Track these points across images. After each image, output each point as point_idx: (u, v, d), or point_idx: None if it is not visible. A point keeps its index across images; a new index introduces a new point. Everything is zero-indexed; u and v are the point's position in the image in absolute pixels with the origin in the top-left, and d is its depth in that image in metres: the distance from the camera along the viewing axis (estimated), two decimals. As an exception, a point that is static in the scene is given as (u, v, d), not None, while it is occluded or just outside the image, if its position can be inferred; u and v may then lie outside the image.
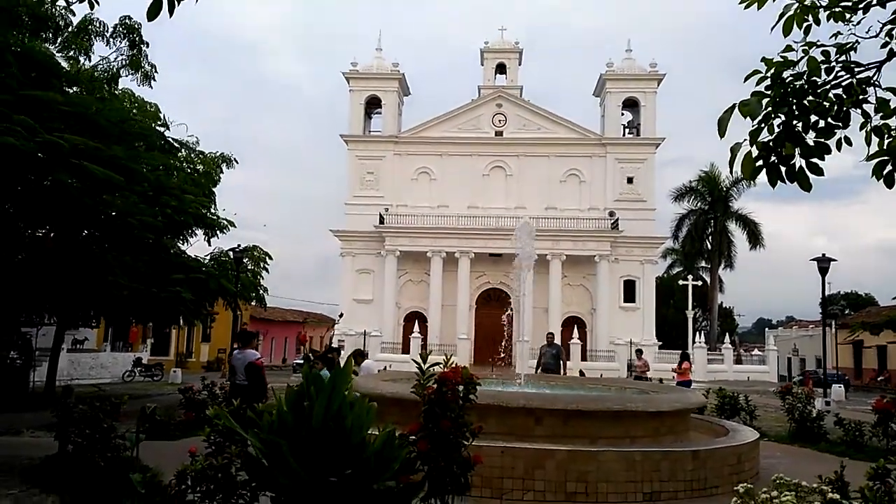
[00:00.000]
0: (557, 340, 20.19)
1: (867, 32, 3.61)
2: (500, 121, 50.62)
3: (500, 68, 52.95)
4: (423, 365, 5.16)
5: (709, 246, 54.81)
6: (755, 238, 53.01)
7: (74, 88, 16.16)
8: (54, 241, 15.42)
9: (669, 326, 56.37)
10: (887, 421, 11.91)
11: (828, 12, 3.69)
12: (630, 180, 49.13)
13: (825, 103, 3.59)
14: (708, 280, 56.51)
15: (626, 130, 51.66)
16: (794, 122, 3.59)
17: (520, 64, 53.60)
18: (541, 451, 7.80)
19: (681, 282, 50.66)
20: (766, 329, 64.63)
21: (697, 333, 46.56)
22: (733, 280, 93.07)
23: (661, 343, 46.55)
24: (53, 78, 12.80)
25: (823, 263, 22.69)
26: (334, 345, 30.51)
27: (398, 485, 3.91)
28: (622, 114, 51.36)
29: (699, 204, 54.51)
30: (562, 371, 16.71)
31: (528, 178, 49.02)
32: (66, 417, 8.04)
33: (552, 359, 16.37)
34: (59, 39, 16.98)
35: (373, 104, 52.32)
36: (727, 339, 47.16)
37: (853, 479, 5.35)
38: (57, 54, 16.39)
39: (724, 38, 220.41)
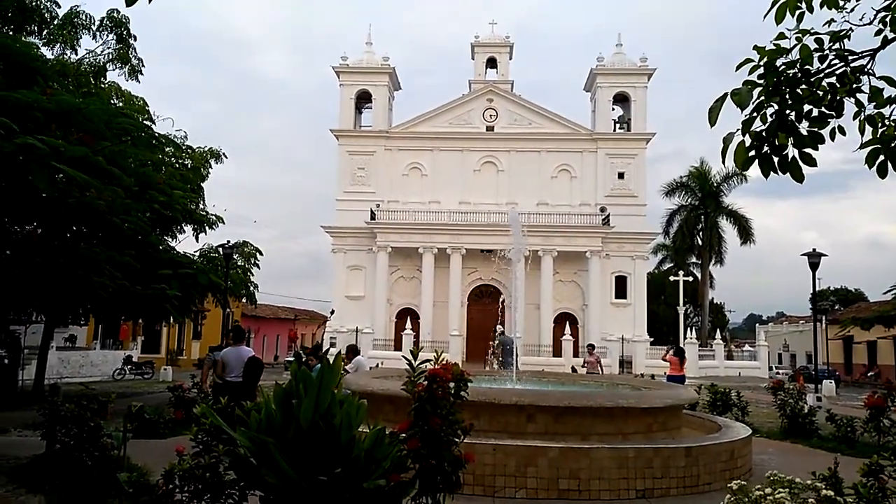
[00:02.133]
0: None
1: (860, 20, 3.56)
2: (491, 116, 50.53)
3: (491, 62, 52.75)
4: (413, 361, 5.09)
5: (699, 241, 54.92)
6: (745, 233, 53.17)
7: (54, 84, 15.99)
8: (41, 238, 15.27)
9: (660, 322, 56.56)
10: (879, 417, 11.92)
11: (821, -1, 3.64)
12: (621, 175, 49.16)
13: (818, 92, 3.55)
14: (699, 276, 56.67)
15: (617, 125, 51.64)
16: (787, 111, 3.53)
17: (510, 58, 53.41)
18: (533, 448, 7.77)
19: (672, 278, 50.79)
20: (757, 325, 65.05)
21: (688, 329, 46.77)
22: (724, 276, 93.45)
23: (652, 339, 46.61)
24: (38, 75, 12.68)
25: (814, 258, 22.65)
26: (325, 346, 30.35)
27: (388, 483, 3.85)
28: (613, 109, 51.33)
29: (690, 199, 54.63)
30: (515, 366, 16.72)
31: (520, 173, 48.97)
32: (54, 416, 7.96)
33: (506, 354, 16.42)
34: (45, 32, 16.81)
35: (363, 99, 52.11)
36: (718, 334, 47.32)
37: (846, 476, 5.33)
38: (42, 48, 16.23)
39: (714, 33, 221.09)
